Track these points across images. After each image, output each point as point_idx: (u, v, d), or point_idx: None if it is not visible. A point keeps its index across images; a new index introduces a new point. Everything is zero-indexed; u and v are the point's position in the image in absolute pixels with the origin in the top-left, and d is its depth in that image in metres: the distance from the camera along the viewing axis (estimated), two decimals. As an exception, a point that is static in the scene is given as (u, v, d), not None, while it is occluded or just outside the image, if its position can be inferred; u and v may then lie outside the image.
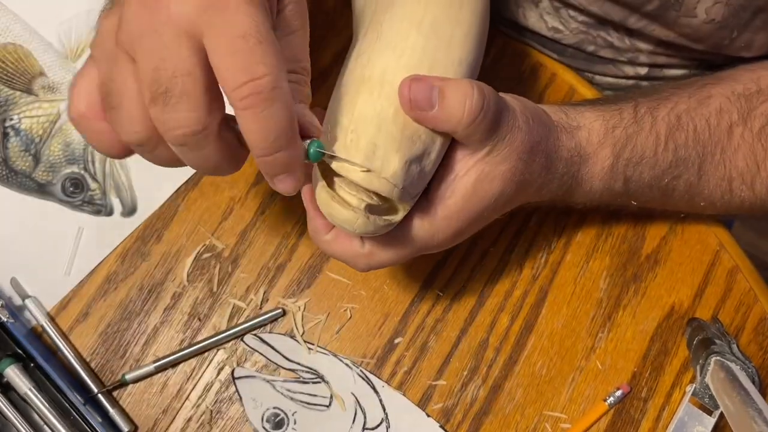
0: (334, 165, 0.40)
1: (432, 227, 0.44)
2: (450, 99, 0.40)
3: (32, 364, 0.52)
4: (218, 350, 0.55)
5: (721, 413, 0.52)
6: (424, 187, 0.42)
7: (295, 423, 0.54)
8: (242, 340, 0.55)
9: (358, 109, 0.40)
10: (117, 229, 0.58)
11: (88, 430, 0.50)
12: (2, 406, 0.50)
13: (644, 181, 0.51)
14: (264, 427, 0.54)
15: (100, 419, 0.52)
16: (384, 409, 0.54)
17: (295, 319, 0.56)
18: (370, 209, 0.40)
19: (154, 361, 0.54)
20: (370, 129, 0.40)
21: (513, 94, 0.46)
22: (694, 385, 0.53)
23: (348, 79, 0.43)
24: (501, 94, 0.44)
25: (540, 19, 0.60)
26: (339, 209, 0.40)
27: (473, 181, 0.43)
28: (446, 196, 0.43)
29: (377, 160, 0.39)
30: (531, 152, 0.44)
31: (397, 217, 0.42)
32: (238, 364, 0.55)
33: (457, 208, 0.43)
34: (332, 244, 0.45)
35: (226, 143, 0.36)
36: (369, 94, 0.41)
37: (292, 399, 0.54)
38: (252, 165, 0.59)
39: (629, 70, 0.62)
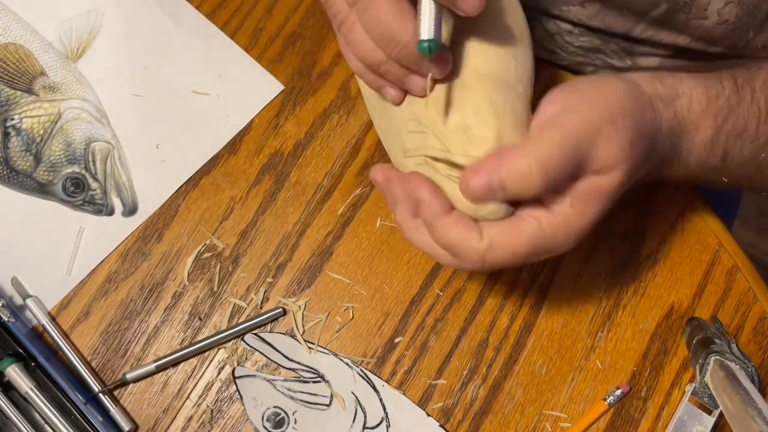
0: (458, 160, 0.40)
1: (552, 229, 0.41)
2: (511, 187, 0.39)
3: (33, 364, 0.52)
4: (219, 349, 0.55)
5: (721, 413, 0.52)
6: None
7: (295, 422, 0.54)
8: (243, 339, 0.55)
9: (472, 104, 0.41)
10: (118, 229, 0.58)
11: (89, 429, 0.51)
12: (3, 405, 0.51)
13: (743, 156, 0.48)
14: (264, 426, 0.54)
15: (101, 418, 0.52)
16: (384, 409, 0.55)
17: (295, 319, 0.56)
18: None
19: (155, 361, 0.54)
20: (491, 119, 0.40)
21: (596, 78, 0.45)
22: (693, 385, 0.53)
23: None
24: (578, 95, 0.42)
25: (537, 44, 0.60)
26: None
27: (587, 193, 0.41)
28: (563, 205, 0.41)
29: (506, 140, 0.40)
30: (632, 147, 0.41)
31: None
32: (238, 364, 0.55)
33: (575, 214, 0.41)
34: (450, 229, 0.40)
35: None
36: (481, 89, 0.42)
37: (292, 398, 0.54)
38: (252, 165, 0.59)
39: None
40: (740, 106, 0.47)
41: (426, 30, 0.38)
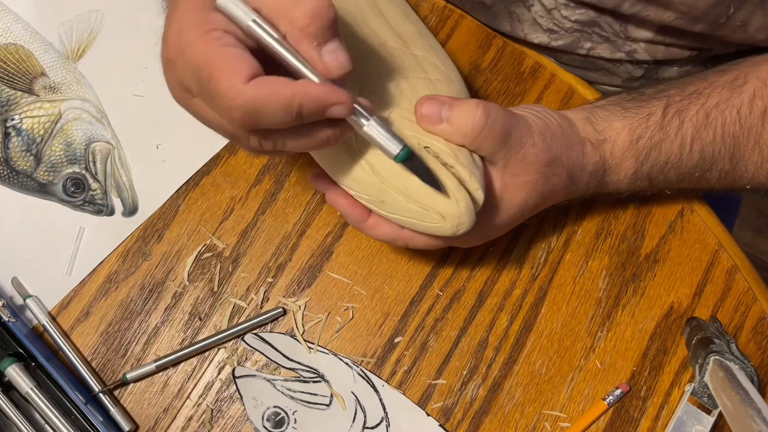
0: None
1: None
2: (456, 116, 0.45)
3: (33, 364, 0.52)
4: (219, 349, 0.55)
5: (720, 412, 0.52)
6: None
7: (295, 422, 0.54)
8: (243, 339, 0.56)
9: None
10: (118, 229, 0.58)
11: (90, 429, 0.51)
12: (4, 405, 0.51)
13: (671, 180, 0.54)
14: (264, 426, 0.54)
15: (101, 418, 0.52)
16: (384, 408, 0.55)
17: (295, 319, 0.56)
18: None
19: (155, 361, 0.54)
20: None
21: (540, 108, 0.51)
22: (693, 385, 0.53)
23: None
24: (523, 111, 0.50)
25: (534, 23, 0.60)
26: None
27: (498, 190, 0.48)
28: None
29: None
30: (549, 166, 0.49)
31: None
32: (238, 363, 0.55)
33: (486, 211, 0.48)
34: (374, 229, 0.49)
35: None
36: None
37: (292, 398, 0.55)
38: (252, 165, 0.59)
39: (624, 72, 0.62)
40: (663, 143, 0.52)
41: (394, 145, 0.41)
